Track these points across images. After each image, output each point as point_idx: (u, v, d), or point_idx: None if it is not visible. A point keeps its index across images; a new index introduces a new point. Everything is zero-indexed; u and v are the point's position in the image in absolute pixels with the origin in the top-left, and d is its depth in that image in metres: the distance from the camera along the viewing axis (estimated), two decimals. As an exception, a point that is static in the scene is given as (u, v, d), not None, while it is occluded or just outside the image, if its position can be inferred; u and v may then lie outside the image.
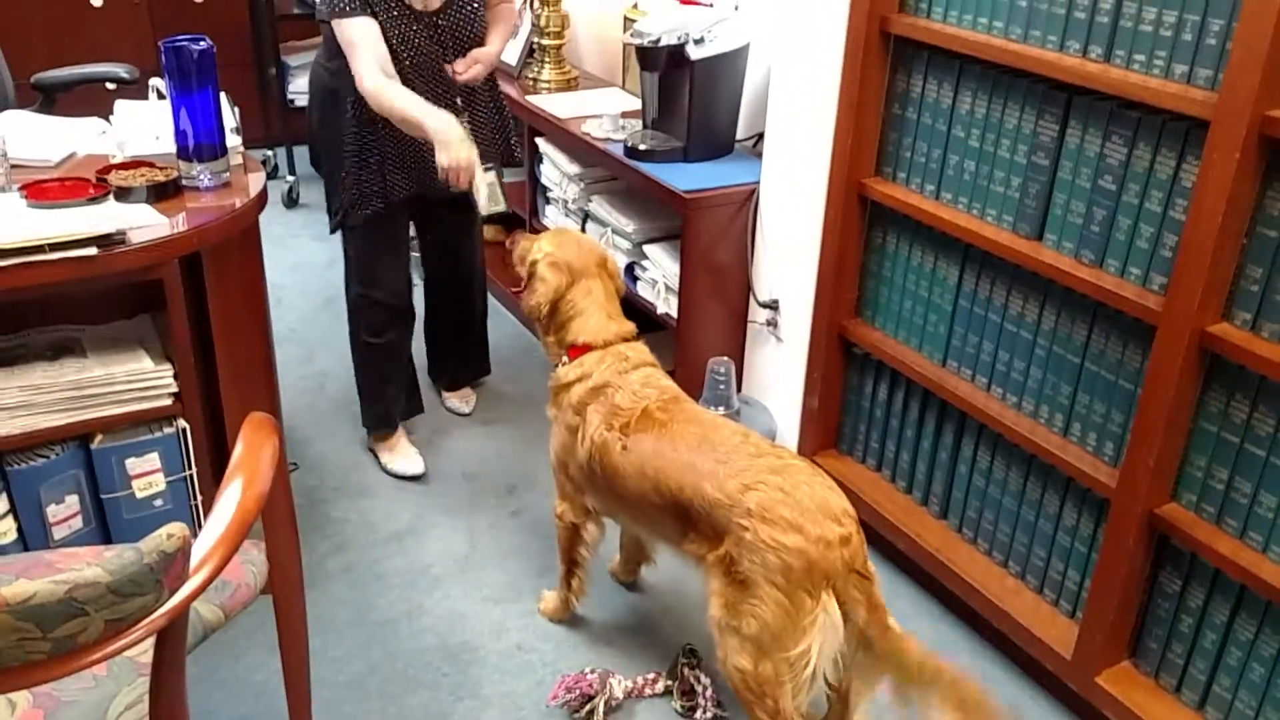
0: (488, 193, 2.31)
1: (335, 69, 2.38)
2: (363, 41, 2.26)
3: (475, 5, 2.41)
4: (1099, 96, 1.73)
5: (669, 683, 2.00)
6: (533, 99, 3.15)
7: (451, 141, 2.23)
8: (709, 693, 1.94)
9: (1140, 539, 1.77)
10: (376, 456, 2.72)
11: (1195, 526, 1.71)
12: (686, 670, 1.98)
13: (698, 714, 1.93)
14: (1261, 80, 1.44)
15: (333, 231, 2.57)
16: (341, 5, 2.25)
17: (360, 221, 2.48)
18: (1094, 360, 1.85)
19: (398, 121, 2.30)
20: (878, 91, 2.14)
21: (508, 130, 2.64)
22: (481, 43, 2.45)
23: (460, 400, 2.99)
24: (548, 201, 3.17)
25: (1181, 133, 1.63)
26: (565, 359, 1.99)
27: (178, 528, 1.07)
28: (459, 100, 2.46)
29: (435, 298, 2.89)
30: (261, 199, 2.10)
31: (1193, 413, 1.69)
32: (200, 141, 2.02)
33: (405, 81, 2.32)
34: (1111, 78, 1.67)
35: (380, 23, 2.27)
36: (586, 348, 1.97)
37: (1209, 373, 1.66)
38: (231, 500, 1.26)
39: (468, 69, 2.41)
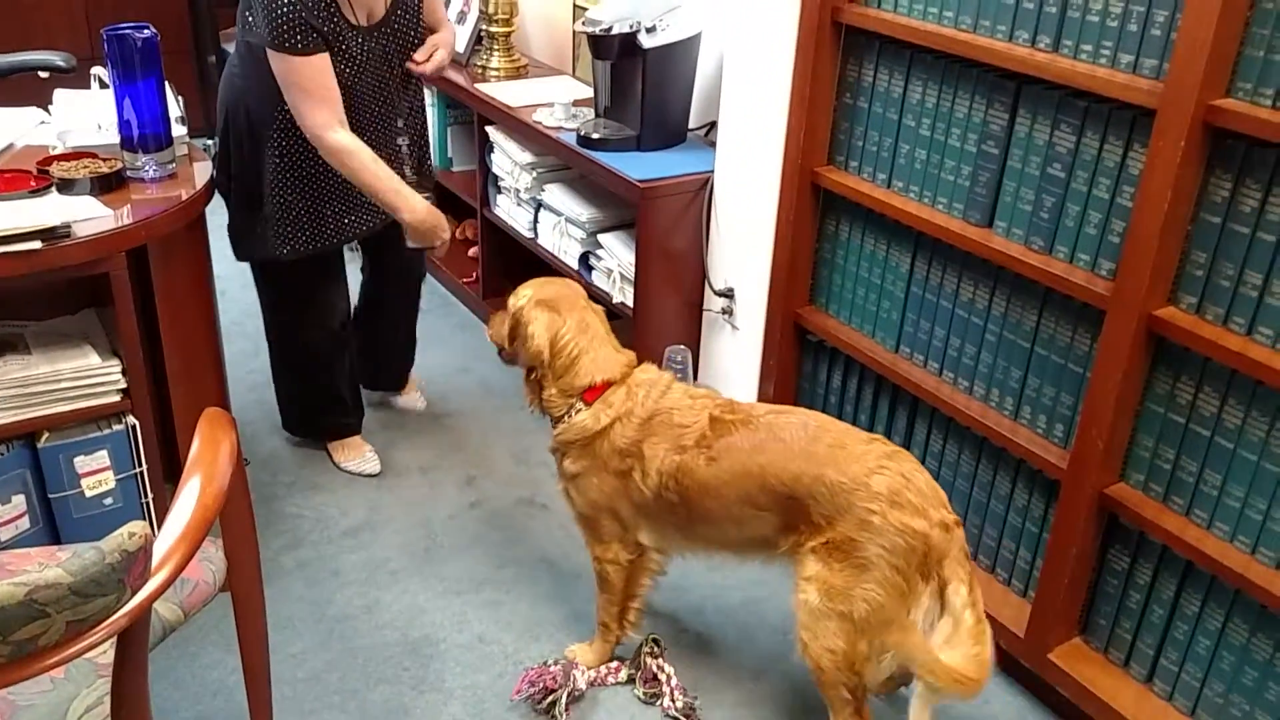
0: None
1: (262, 93, 2.16)
2: (319, 87, 2.05)
3: (416, 7, 2.28)
4: (1047, 85, 1.76)
5: (632, 671, 2.01)
6: (482, 87, 3.12)
7: (425, 231, 2.15)
8: (674, 681, 1.95)
9: (1090, 518, 1.81)
10: (330, 453, 2.68)
11: (1143, 505, 1.76)
12: (650, 659, 1.98)
13: (665, 702, 1.94)
14: (1206, 70, 1.48)
15: (243, 259, 2.37)
16: (295, 40, 2.01)
17: (291, 257, 2.30)
18: (1044, 345, 1.89)
19: (361, 188, 2.16)
20: (829, 81, 2.16)
21: (428, 144, 2.52)
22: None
23: (412, 400, 2.92)
24: (499, 191, 3.14)
25: (1128, 121, 1.66)
26: (579, 405, 1.81)
27: (139, 526, 1.05)
28: (401, 122, 2.34)
29: (378, 313, 2.71)
30: (209, 190, 2.06)
31: (1140, 395, 1.74)
32: (145, 132, 1.98)
33: (354, 102, 2.16)
34: (1060, 67, 1.70)
35: (332, 52, 2.08)
36: (606, 385, 1.81)
37: (1156, 355, 1.71)
38: (191, 498, 1.24)
39: (428, 56, 2.31)
